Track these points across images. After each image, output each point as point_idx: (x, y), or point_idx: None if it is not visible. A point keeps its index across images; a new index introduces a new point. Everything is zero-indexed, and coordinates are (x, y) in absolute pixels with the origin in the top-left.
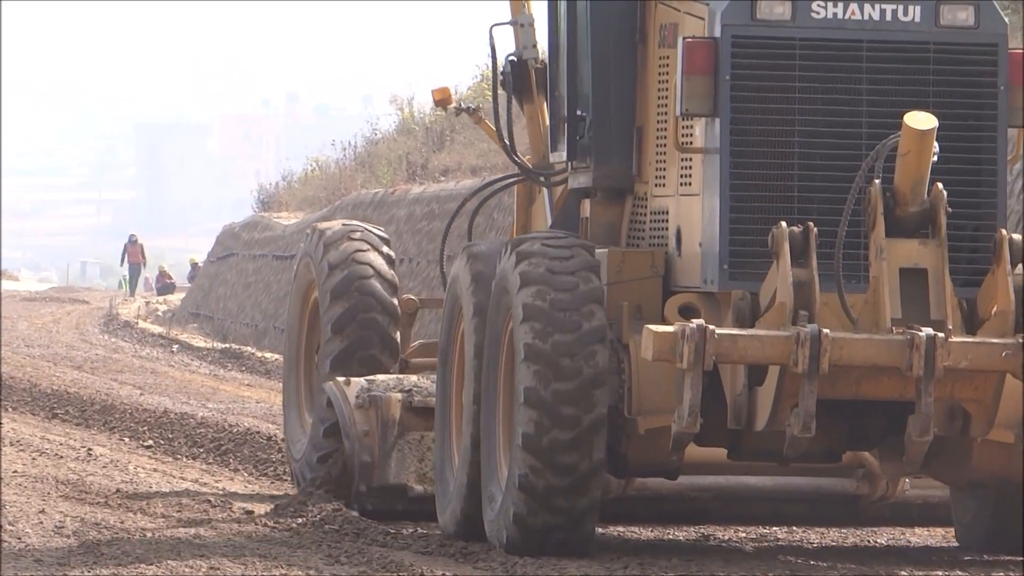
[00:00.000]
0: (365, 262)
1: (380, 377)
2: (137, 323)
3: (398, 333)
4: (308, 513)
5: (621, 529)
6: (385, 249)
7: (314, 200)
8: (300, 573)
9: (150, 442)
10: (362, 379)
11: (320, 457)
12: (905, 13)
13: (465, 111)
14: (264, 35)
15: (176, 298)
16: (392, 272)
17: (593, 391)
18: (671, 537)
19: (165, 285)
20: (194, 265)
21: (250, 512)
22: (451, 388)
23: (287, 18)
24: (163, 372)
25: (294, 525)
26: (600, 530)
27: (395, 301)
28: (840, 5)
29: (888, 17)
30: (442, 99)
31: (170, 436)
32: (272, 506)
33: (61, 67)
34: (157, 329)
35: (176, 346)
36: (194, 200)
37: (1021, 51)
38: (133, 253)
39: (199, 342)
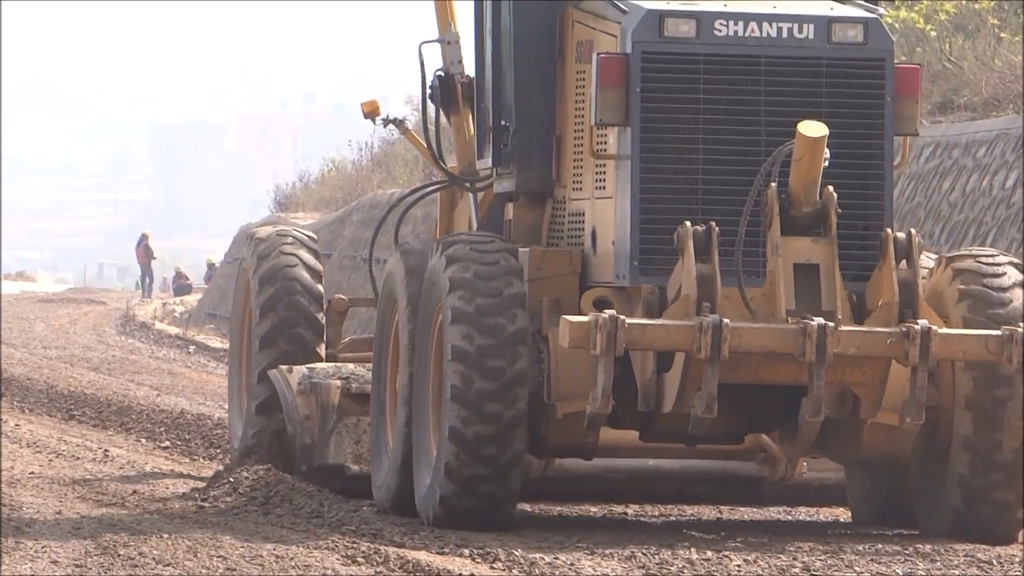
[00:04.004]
0: (291, 253)
1: (320, 365)
2: (154, 324)
3: (322, 315)
4: (324, 513)
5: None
6: (311, 245)
7: (331, 200)
8: (317, 574)
9: (167, 443)
10: (304, 367)
11: (255, 433)
12: (800, 31)
13: (392, 122)
14: (281, 35)
15: (193, 299)
16: (316, 262)
17: (515, 389)
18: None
19: (182, 286)
20: (211, 265)
21: (267, 513)
22: (386, 376)
23: (304, 18)
24: (180, 373)
25: (310, 526)
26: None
27: (320, 287)
28: (741, 23)
29: (785, 35)
30: (370, 111)
31: (187, 437)
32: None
33: (78, 67)
34: (174, 330)
35: (193, 347)
36: (211, 200)
37: (907, 65)
38: (139, 254)
39: (216, 343)
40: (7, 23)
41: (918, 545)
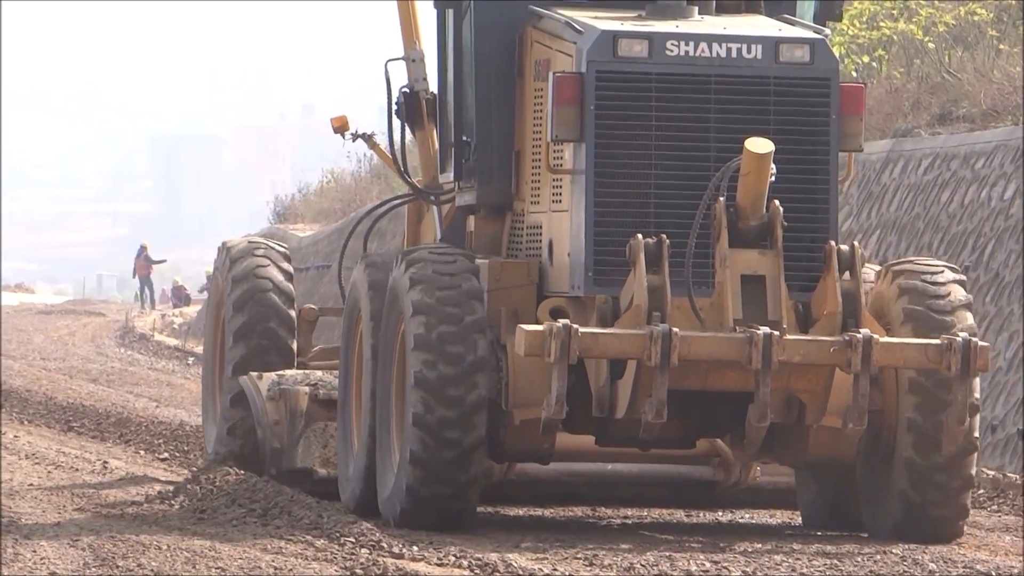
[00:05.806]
0: (265, 276)
1: (289, 372)
2: (153, 336)
3: (293, 342)
4: (323, 525)
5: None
6: (284, 264)
7: (330, 212)
8: None
9: (165, 455)
10: (273, 374)
11: (228, 428)
12: (748, 51)
13: (361, 137)
14: (280, 47)
15: (192, 310)
16: (289, 285)
17: (474, 375)
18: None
19: (181, 297)
20: (210, 277)
21: (266, 524)
22: (352, 382)
23: (303, 30)
24: (179, 384)
25: (308, 538)
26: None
27: (291, 312)
28: (692, 44)
29: (734, 54)
30: (340, 126)
31: (185, 448)
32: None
33: (78, 79)
34: (173, 341)
35: (192, 358)
36: (210, 212)
37: (852, 84)
38: (140, 265)
39: None
40: (5, 33)
41: (916, 556)
